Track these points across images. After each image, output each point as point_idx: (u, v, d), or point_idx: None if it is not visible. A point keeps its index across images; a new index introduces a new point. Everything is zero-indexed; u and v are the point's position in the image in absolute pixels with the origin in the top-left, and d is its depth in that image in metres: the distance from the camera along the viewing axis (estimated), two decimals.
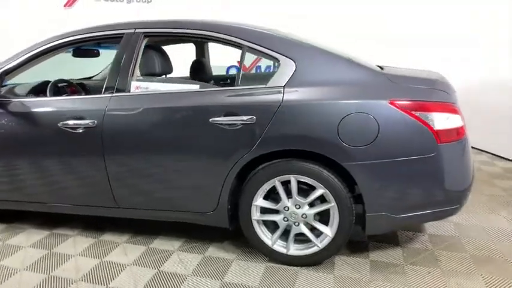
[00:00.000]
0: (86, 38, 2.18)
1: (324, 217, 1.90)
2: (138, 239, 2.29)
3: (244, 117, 1.79)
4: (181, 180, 1.99)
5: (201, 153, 1.91)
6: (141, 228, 2.40)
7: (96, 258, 2.11)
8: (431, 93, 1.78)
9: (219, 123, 1.83)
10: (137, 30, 2.09)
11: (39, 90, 2.51)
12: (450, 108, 1.76)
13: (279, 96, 1.80)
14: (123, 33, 2.11)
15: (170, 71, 2.29)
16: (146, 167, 2.00)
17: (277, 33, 1.98)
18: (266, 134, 1.78)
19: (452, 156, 1.76)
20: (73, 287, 1.84)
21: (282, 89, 1.82)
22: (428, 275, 1.85)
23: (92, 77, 3.34)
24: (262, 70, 5.66)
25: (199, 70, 2.96)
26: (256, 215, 1.96)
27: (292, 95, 1.79)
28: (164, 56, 2.22)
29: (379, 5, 4.61)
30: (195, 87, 2.01)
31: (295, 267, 1.95)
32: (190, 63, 2.97)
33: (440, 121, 1.72)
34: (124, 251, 2.17)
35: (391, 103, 1.71)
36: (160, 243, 2.24)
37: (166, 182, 2.01)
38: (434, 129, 1.71)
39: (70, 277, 1.93)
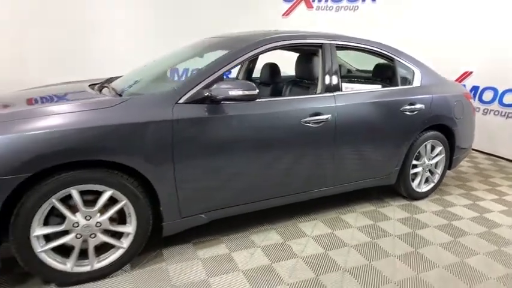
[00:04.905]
0: (291, 44, 2.45)
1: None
2: None
3: (420, 106, 2.82)
4: (379, 154, 2.73)
5: (395, 132, 2.75)
6: None
7: None
8: (467, 89, 3.41)
9: (405, 111, 2.76)
10: (331, 42, 2.60)
11: None
12: (471, 96, 3.46)
13: (428, 92, 2.92)
14: (322, 43, 2.56)
15: None
16: (359, 148, 2.62)
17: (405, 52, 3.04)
18: (427, 116, 2.88)
19: (474, 121, 3.45)
20: None
21: (421, 88, 2.95)
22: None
23: None
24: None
25: (273, 72, 3.41)
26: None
27: (431, 91, 2.96)
28: None
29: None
30: (378, 86, 2.79)
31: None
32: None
33: (473, 103, 3.37)
34: None
35: (465, 95, 3.21)
36: None
37: (371, 157, 2.70)
38: (474, 107, 3.35)
39: None
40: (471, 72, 4.82)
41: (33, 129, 1.61)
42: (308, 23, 6.14)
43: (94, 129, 1.71)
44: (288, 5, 6.30)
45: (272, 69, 3.30)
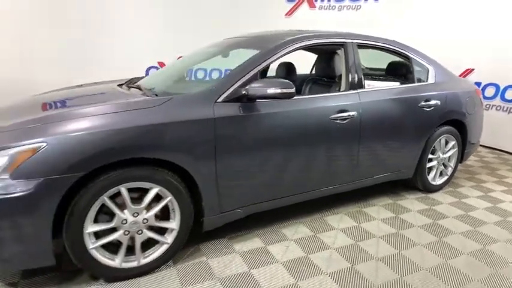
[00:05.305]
0: (316, 43, 2.53)
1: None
2: None
3: (436, 102, 2.93)
4: (400, 149, 2.84)
5: (414, 127, 2.86)
6: None
7: None
8: (474, 85, 3.55)
9: (423, 107, 2.87)
10: (353, 40, 2.69)
11: None
12: (481, 92, 3.59)
13: (443, 88, 3.04)
14: (344, 42, 2.65)
15: None
16: (382, 143, 2.71)
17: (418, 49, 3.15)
18: (443, 111, 2.99)
19: (483, 116, 3.58)
20: None
21: (435, 85, 3.07)
22: None
23: None
24: None
25: (289, 71, 3.47)
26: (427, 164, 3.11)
27: (446, 88, 3.07)
28: None
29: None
30: (396, 83, 2.89)
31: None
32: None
33: (481, 98, 3.51)
34: None
35: (476, 91, 3.34)
36: None
37: (393, 151, 2.79)
38: (483, 102, 3.48)
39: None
40: (473, 70, 4.97)
41: (88, 128, 1.66)
42: (311, 22, 6.23)
43: (144, 127, 1.77)
44: (290, 5, 6.38)
45: (288, 68, 3.37)
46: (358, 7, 6.03)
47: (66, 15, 5.52)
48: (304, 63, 4.22)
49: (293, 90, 2.05)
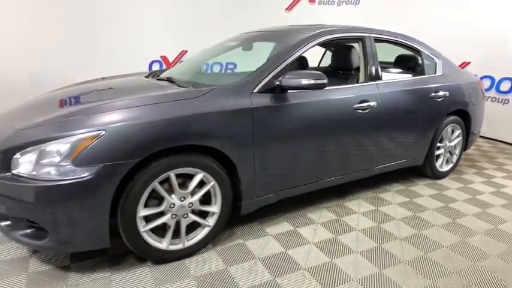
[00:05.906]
0: (337, 37, 2.66)
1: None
2: None
3: (445, 93, 3.11)
4: (414, 137, 3.00)
5: (427, 117, 3.03)
6: None
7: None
8: (477, 77, 3.75)
9: (434, 97, 3.04)
10: (371, 35, 2.83)
11: None
12: (483, 84, 3.80)
13: (450, 80, 3.22)
14: (363, 36, 2.79)
15: None
16: (398, 132, 2.87)
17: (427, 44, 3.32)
18: (450, 102, 3.17)
19: (484, 106, 3.79)
20: None
21: (443, 77, 3.24)
22: None
23: None
24: None
25: (302, 64, 3.60)
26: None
27: (452, 79, 3.25)
28: None
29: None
30: (408, 75, 3.05)
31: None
32: None
33: (483, 89, 3.71)
34: None
35: (478, 82, 3.54)
36: None
37: (407, 140, 2.96)
38: (484, 93, 3.69)
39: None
40: (469, 63, 5.19)
41: (143, 116, 1.76)
42: (310, 17, 6.35)
43: (194, 116, 1.87)
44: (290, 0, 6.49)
45: (300, 61, 3.48)
46: (357, 2, 6.18)
47: (67, 9, 5.48)
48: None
49: (326, 81, 2.18)
